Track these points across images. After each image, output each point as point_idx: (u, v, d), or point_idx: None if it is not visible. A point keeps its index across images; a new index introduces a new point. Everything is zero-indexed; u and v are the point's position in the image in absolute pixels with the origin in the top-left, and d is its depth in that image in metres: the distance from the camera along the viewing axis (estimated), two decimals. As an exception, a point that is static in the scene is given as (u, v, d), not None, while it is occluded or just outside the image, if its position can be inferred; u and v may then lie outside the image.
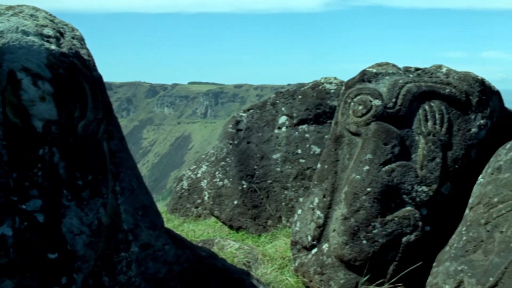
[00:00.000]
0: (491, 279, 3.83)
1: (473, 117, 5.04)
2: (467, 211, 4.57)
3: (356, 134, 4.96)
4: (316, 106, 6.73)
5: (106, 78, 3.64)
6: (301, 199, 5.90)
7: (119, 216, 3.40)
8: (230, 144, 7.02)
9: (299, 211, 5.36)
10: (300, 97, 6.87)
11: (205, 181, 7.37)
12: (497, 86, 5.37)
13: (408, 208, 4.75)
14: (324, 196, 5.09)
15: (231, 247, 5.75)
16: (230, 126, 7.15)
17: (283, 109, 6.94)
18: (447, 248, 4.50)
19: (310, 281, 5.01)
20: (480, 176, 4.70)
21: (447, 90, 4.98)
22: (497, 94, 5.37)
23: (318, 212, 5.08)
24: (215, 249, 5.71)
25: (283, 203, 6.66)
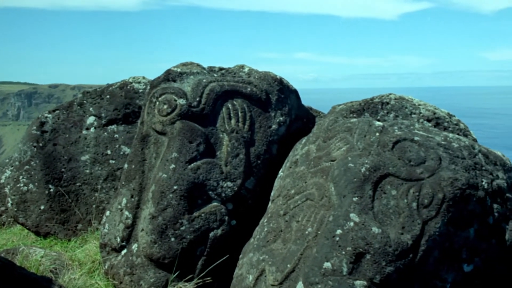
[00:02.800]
0: (288, 265, 4.10)
1: (273, 114, 5.35)
2: (269, 203, 4.85)
3: (162, 133, 5.00)
4: (124, 106, 6.65)
5: None
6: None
7: None
8: (35, 146, 6.65)
9: (108, 213, 5.26)
10: (108, 96, 6.73)
11: (8, 186, 6.88)
12: (309, 85, 5.85)
13: (215, 203, 4.90)
14: (132, 196, 5.05)
15: (37, 255, 5.45)
16: (34, 128, 6.76)
17: (91, 109, 6.74)
18: (251, 240, 4.74)
19: (120, 282, 4.95)
20: (280, 170, 5.02)
21: (249, 89, 5.23)
22: (294, 92, 5.76)
23: (127, 213, 5.03)
24: (19, 258, 5.36)
25: (94, 206, 6.48)
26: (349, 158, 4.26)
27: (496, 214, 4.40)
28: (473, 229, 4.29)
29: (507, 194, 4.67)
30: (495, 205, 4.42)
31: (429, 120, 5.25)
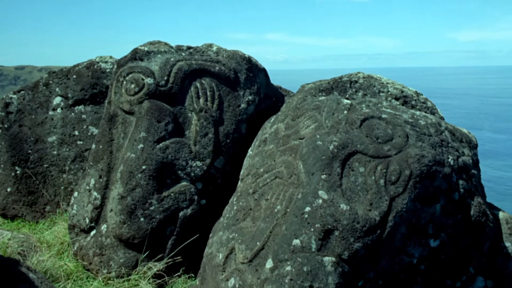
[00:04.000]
0: (258, 243, 4.12)
1: (242, 93, 5.34)
2: (239, 182, 4.85)
3: (130, 113, 4.94)
4: (92, 86, 6.55)
5: None
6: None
7: None
8: (0, 128, 6.51)
9: (76, 194, 5.20)
10: (74, 77, 6.61)
11: (-28, 170, 6.74)
12: (280, 66, 5.83)
13: (184, 183, 4.88)
14: (100, 177, 5.00)
15: (4, 237, 5.37)
16: (-1, 109, 6.62)
17: (57, 89, 6.62)
18: (221, 219, 4.74)
19: (90, 263, 4.91)
20: (250, 149, 5.02)
21: (217, 68, 5.20)
22: (263, 71, 5.74)
23: (95, 193, 4.98)
24: (-16, 241, 5.28)
25: (62, 187, 6.40)
26: (318, 136, 4.27)
27: (461, 190, 4.48)
28: (439, 205, 4.35)
29: (472, 171, 4.75)
30: (460, 182, 4.49)
31: (397, 99, 5.29)
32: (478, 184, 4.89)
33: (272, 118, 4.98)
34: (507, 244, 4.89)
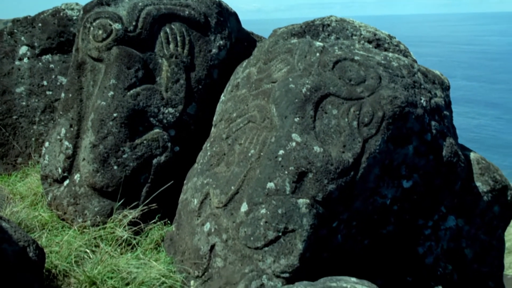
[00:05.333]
0: (232, 187, 4.13)
1: (213, 38, 5.23)
2: (212, 128, 4.82)
3: (99, 60, 4.82)
4: (58, 34, 6.35)
5: None
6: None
7: None
8: (-35, 80, 6.33)
9: (47, 144, 5.12)
10: (40, 25, 6.40)
11: None
12: (253, 15, 5.70)
13: (156, 130, 4.83)
14: (71, 126, 4.92)
15: (-25, 191, 5.31)
16: (-37, 60, 6.41)
17: (22, 38, 6.42)
18: (195, 165, 4.73)
19: (65, 213, 4.89)
20: (222, 94, 4.97)
21: (187, 12, 5.07)
22: (234, 15, 5.63)
23: (67, 143, 4.91)
24: (-45, 195, 5.21)
25: (33, 139, 6.29)
26: (290, 79, 4.23)
27: (433, 131, 4.52)
28: (412, 146, 4.39)
29: (444, 112, 4.79)
30: (433, 123, 4.52)
31: (369, 42, 5.24)
32: (450, 125, 4.93)
33: (244, 63, 4.92)
34: (478, 183, 4.98)
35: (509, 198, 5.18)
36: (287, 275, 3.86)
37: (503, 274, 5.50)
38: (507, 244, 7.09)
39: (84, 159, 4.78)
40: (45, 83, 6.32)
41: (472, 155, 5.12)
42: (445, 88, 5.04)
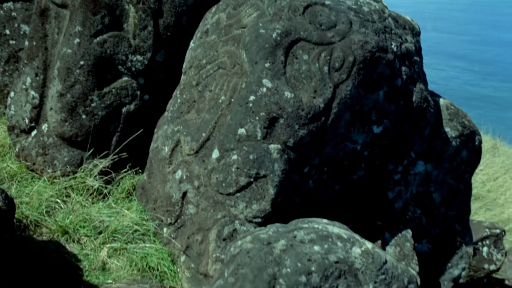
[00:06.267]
0: (203, 134, 4.11)
1: (176, -17, 5.09)
2: (182, 76, 4.75)
3: (63, 6, 4.66)
4: (20, -19, 6.12)
5: None
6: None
7: None
8: None
9: (12, 94, 5.00)
10: (0, -29, 6.15)
11: None
12: None
13: (125, 78, 4.75)
14: (36, 75, 4.79)
15: None
16: None
17: (-18, -14, 6.17)
18: (165, 113, 4.68)
19: (34, 164, 4.82)
20: (191, 41, 4.87)
21: (153, -43, 4.91)
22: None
23: (33, 92, 4.79)
24: None
25: (-3, 90, 6.13)
26: (260, 24, 4.16)
27: (404, 76, 4.52)
28: (382, 92, 4.40)
29: (415, 57, 4.79)
30: (403, 68, 4.53)
31: (340, -13, 5.18)
32: (420, 71, 4.95)
33: (213, 8, 4.82)
34: (447, 129, 5.05)
35: (476, 143, 5.27)
36: (259, 220, 3.90)
37: (469, 219, 5.64)
38: (473, 191, 7.25)
39: (51, 108, 4.68)
40: (7, 32, 6.11)
41: (441, 101, 5.16)
42: (416, 33, 5.03)
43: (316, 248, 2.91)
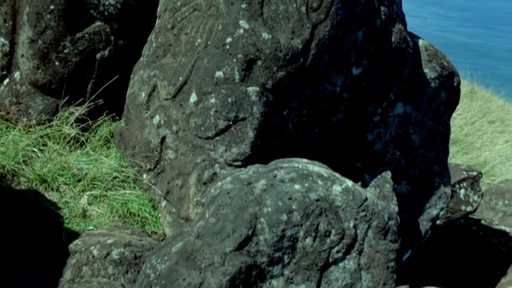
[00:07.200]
0: (180, 78, 4.04)
1: None
2: (157, 20, 4.62)
3: None
4: None
5: None
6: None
7: None
8: None
9: (-19, 41, 4.84)
10: None
11: None
12: None
13: (98, 23, 4.61)
14: (5, 21, 4.62)
15: None
16: None
17: None
18: (141, 58, 4.58)
19: (8, 113, 4.72)
20: (166, -17, 4.73)
21: None
22: None
23: (2, 39, 4.64)
24: None
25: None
26: (236, -36, 4.04)
27: (383, 16, 4.47)
28: (361, 32, 4.35)
29: (394, -3, 4.72)
30: (382, 8, 4.46)
31: None
32: (399, 11, 4.89)
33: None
34: (426, 70, 5.03)
35: (455, 84, 5.27)
36: (239, 163, 3.88)
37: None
38: (451, 136, 7.32)
39: (23, 55, 4.55)
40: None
41: (420, 42, 5.12)
42: (394, -28, 4.94)
43: (297, 186, 2.91)
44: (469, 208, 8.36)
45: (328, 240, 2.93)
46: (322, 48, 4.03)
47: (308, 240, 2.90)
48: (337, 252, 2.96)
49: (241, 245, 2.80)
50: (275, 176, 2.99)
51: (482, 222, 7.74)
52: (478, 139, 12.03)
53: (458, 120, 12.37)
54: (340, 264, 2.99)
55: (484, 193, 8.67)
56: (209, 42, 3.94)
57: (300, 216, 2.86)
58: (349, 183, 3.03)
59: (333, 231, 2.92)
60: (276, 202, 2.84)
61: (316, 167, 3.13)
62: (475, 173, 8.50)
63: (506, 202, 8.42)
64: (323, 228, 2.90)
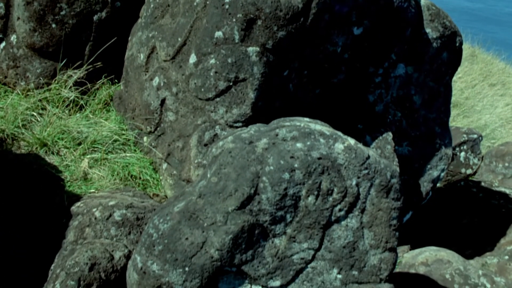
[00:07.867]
0: (179, 39, 3.98)
1: None
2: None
3: None
4: None
5: None
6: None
7: None
8: None
9: (-24, 5, 4.76)
10: None
11: None
12: None
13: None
14: (0, -17, 4.56)
15: None
16: None
17: None
18: (139, 20, 4.51)
19: (5, 77, 4.68)
20: None
21: None
22: None
23: (-3, 1, 4.58)
24: None
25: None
26: None
27: (384, -26, 4.38)
28: (362, -9, 4.27)
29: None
30: (383, -35, 4.38)
31: None
32: (400, -31, 4.79)
33: None
34: (428, 30, 4.96)
35: (457, 44, 5.21)
36: (240, 124, 3.85)
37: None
38: (452, 99, 7.27)
39: (18, 18, 4.48)
40: None
41: (422, 1, 5.04)
42: None
43: (299, 145, 2.89)
44: (469, 171, 8.36)
45: (330, 199, 2.92)
46: (322, 7, 3.96)
47: (311, 199, 2.89)
48: (340, 210, 2.95)
49: (244, 204, 2.79)
50: (276, 135, 2.97)
51: (482, 184, 7.74)
52: (479, 102, 11.97)
53: (459, 83, 12.28)
54: (343, 223, 2.99)
55: (484, 155, 8.67)
56: (208, 2, 3.87)
57: (302, 175, 2.84)
58: (352, 141, 3.00)
59: (335, 190, 2.91)
60: (278, 161, 2.82)
61: (318, 126, 3.11)
62: (475, 136, 8.47)
63: (506, 164, 8.42)
64: (326, 187, 2.89)
